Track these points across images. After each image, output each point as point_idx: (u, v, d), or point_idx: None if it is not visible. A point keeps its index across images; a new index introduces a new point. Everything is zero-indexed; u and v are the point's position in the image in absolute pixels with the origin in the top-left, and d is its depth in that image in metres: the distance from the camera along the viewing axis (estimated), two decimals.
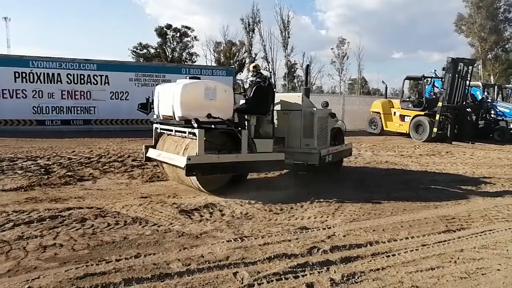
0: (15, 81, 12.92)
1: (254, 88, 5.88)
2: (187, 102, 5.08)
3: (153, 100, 6.31)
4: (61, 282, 2.77)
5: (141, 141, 8.46)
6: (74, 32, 75.25)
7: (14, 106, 12.91)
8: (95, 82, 14.00)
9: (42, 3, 76.74)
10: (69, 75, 13.59)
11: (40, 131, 12.60)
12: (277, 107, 6.45)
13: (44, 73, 13.27)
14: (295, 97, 6.50)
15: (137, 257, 3.25)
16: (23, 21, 72.25)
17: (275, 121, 6.38)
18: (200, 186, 5.29)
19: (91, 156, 8.20)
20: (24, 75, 13.03)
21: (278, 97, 6.56)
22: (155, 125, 6.09)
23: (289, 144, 6.40)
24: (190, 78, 5.46)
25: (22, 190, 5.44)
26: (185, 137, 5.33)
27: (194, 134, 5.01)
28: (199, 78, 5.51)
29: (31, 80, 13.13)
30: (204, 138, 4.98)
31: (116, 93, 14.35)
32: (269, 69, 42.38)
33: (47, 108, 13.43)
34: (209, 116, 5.09)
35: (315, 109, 6.45)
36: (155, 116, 5.92)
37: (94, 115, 14.11)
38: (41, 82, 13.25)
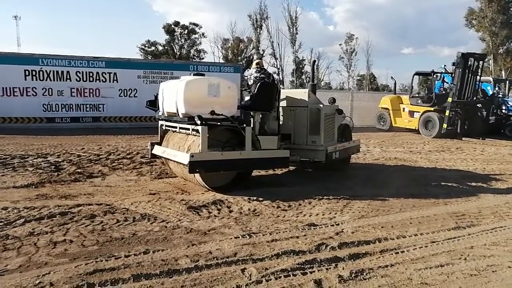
0: (25, 79, 13.05)
1: (258, 85, 5.84)
2: (190, 99, 5.06)
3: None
4: (71, 278, 2.80)
5: (149, 138, 8.51)
6: (83, 30, 76.02)
7: (24, 104, 13.05)
8: (104, 80, 14.08)
9: (51, 1, 77.49)
10: (78, 73, 13.68)
11: (50, 128, 12.74)
12: (283, 104, 6.42)
13: (53, 71, 13.38)
14: (301, 93, 6.46)
15: (146, 253, 3.28)
16: (32, 19, 73.03)
17: (281, 118, 6.35)
18: (203, 183, 5.30)
19: (100, 153, 8.27)
20: (34, 73, 13.14)
21: (284, 93, 6.52)
22: (160, 122, 6.11)
23: (295, 141, 6.37)
24: (194, 74, 5.45)
25: (33, 187, 5.50)
26: (189, 134, 5.33)
27: (197, 131, 5.01)
28: (203, 75, 5.49)
29: (41, 78, 13.25)
30: (208, 135, 4.97)
31: (125, 90, 14.41)
32: (277, 65, 42.33)
33: (57, 105, 13.55)
34: (212, 113, 5.06)
35: (321, 105, 6.41)
36: (160, 113, 5.93)
37: (103, 112, 14.20)
38: (50, 80, 13.36)
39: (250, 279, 2.88)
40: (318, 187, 5.80)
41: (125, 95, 14.45)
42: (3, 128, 12.40)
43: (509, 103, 14.81)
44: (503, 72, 37.68)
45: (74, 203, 4.67)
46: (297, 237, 3.77)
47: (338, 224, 4.20)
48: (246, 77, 6.81)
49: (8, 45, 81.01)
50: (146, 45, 46.03)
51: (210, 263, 3.12)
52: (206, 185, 5.34)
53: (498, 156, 9.64)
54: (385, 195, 5.45)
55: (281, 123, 6.31)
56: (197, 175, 5.18)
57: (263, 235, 3.80)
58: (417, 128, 14.36)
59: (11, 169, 6.60)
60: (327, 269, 3.10)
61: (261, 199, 5.06)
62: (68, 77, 13.58)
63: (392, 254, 3.44)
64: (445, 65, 15.35)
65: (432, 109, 13.95)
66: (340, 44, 49.81)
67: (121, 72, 14.29)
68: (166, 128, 6.02)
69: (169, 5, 76.09)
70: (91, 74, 13.88)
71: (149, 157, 6.31)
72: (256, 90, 5.83)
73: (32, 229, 3.78)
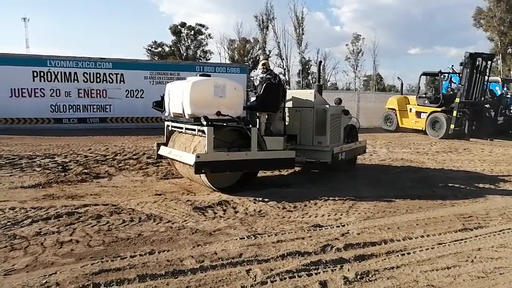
0: (33, 80, 13.18)
1: (264, 85, 5.84)
2: (196, 100, 5.07)
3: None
4: (77, 278, 2.82)
5: (156, 139, 8.53)
6: (90, 32, 76.67)
7: (32, 105, 13.18)
8: (111, 81, 14.18)
9: (58, 3, 78.22)
10: (85, 74, 13.80)
11: (57, 129, 12.85)
12: (289, 104, 6.41)
13: (61, 72, 13.50)
14: (307, 94, 6.45)
15: (151, 253, 3.29)
16: (41, 21, 73.75)
17: (287, 119, 6.34)
18: (209, 184, 5.31)
19: (107, 154, 8.32)
20: (42, 74, 13.28)
21: (290, 94, 6.51)
22: (166, 123, 6.13)
23: (301, 142, 6.35)
24: (200, 75, 5.46)
25: (40, 187, 5.55)
26: (195, 134, 5.34)
27: (203, 131, 5.02)
28: (209, 76, 5.51)
29: (49, 79, 13.37)
30: (214, 136, 4.98)
31: (132, 91, 14.50)
32: (283, 66, 42.30)
33: (64, 106, 13.67)
34: (218, 113, 5.07)
35: (327, 106, 6.39)
36: (166, 114, 5.95)
37: (110, 113, 14.30)
38: (58, 81, 13.48)
39: (255, 280, 2.88)
40: (324, 188, 5.79)
41: (132, 96, 14.54)
42: (12, 128, 12.54)
43: None
44: (511, 72, 37.26)
45: (81, 203, 4.70)
46: (303, 238, 3.76)
47: (343, 225, 4.19)
48: (252, 78, 6.80)
49: (16, 46, 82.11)
50: (153, 46, 46.32)
51: (215, 263, 3.12)
52: (211, 186, 5.34)
53: (506, 157, 9.54)
54: (392, 196, 5.42)
55: (287, 123, 6.30)
56: (202, 175, 5.19)
57: (269, 236, 3.80)
58: (424, 129, 14.26)
59: (19, 169, 6.66)
60: (332, 270, 3.08)
61: (266, 200, 5.06)
62: (75, 78, 13.70)
63: (398, 255, 3.42)
64: (452, 65, 15.27)
65: (439, 109, 13.84)
66: (346, 45, 49.76)
67: (128, 73, 14.37)
68: (172, 129, 6.04)
69: (176, 6, 76.59)
70: (98, 75, 13.99)
71: (155, 157, 6.33)
72: (262, 90, 5.82)
73: (39, 229, 3.81)
